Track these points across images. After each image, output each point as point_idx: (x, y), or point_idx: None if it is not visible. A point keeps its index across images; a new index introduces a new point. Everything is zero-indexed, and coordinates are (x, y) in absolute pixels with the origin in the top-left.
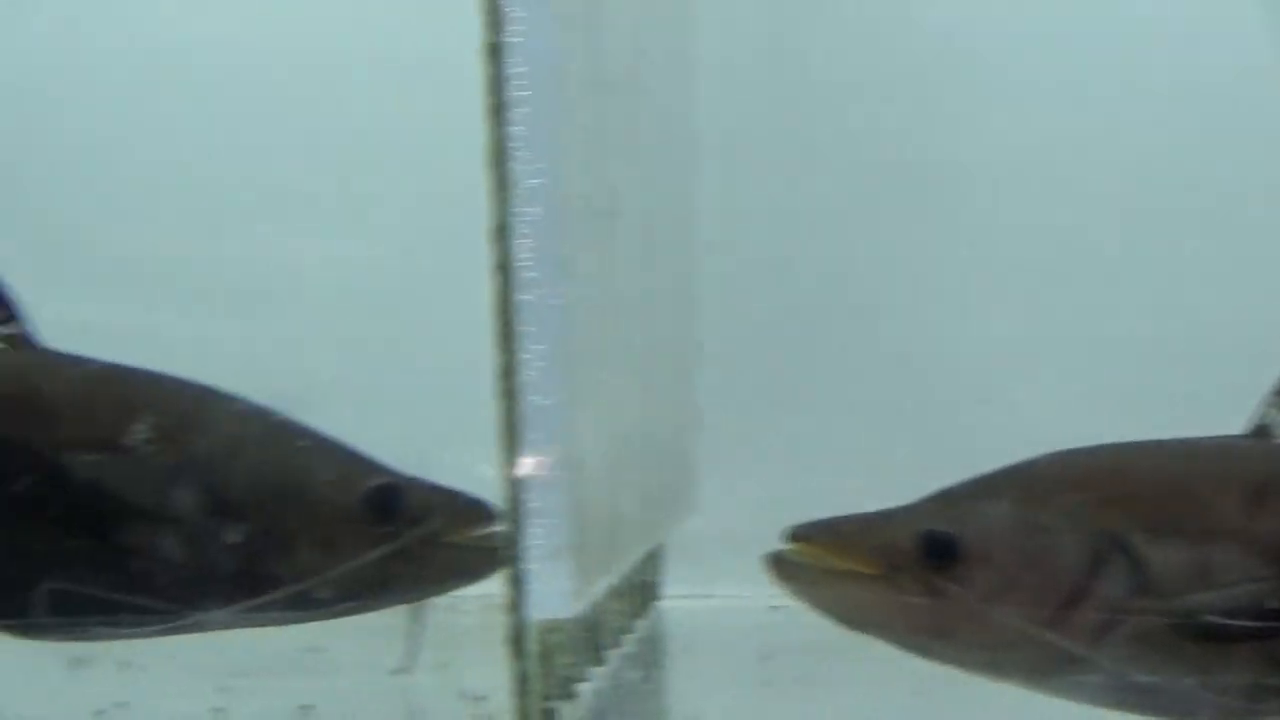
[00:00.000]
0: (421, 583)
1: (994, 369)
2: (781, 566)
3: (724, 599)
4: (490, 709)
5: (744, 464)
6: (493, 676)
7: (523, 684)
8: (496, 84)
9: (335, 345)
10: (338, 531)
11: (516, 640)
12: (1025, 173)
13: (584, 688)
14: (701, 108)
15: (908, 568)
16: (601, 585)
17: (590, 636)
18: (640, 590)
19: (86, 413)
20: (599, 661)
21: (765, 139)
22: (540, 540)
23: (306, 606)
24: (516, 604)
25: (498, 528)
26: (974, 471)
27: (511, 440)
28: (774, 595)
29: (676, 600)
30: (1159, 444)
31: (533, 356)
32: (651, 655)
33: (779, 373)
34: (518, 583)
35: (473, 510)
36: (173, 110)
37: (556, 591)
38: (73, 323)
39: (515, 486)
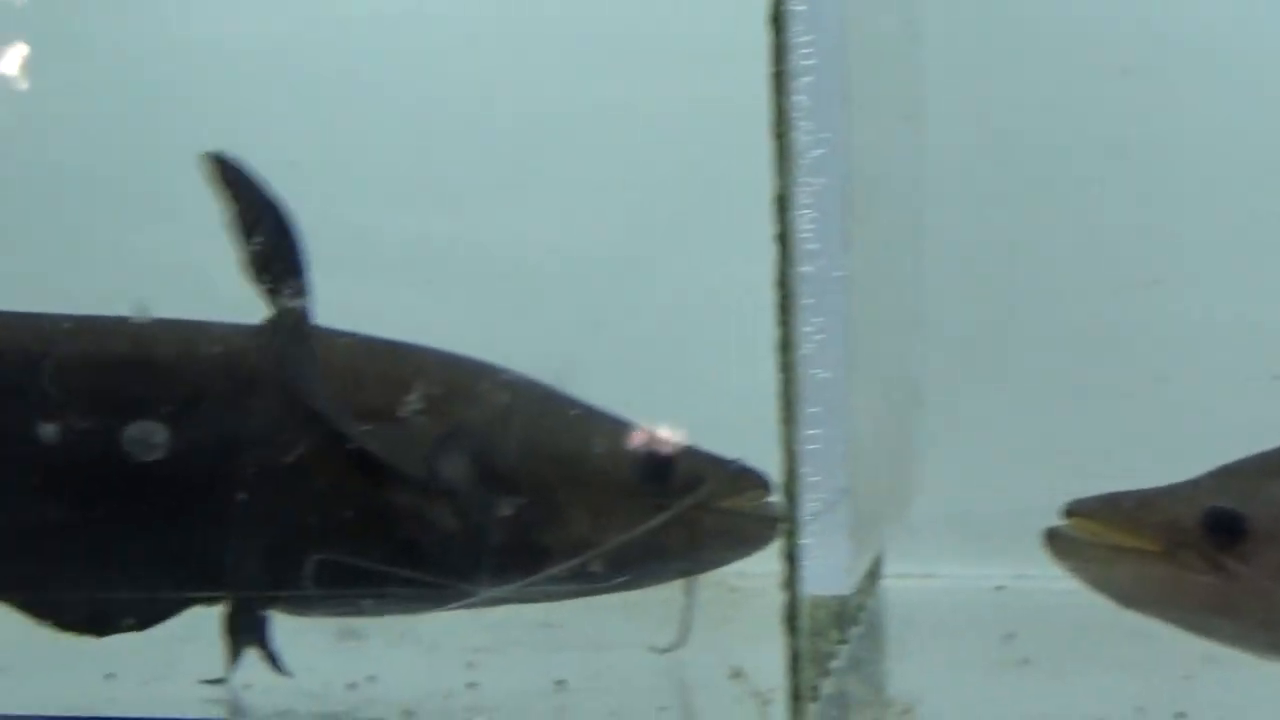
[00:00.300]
0: (696, 553)
1: (1230, 351)
2: (1058, 542)
3: (946, 579)
4: (753, 685)
5: (964, 443)
6: (746, 652)
7: (795, 661)
8: (780, 52)
9: (609, 317)
10: (611, 500)
11: (791, 616)
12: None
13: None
14: (931, 81)
15: (1191, 545)
16: (866, 562)
17: (840, 613)
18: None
19: (358, 385)
20: (844, 639)
21: (996, 112)
22: (816, 515)
23: (581, 579)
24: (792, 580)
25: (772, 498)
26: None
27: (789, 413)
28: (998, 575)
29: (897, 580)
30: None
31: (812, 329)
32: (887, 634)
33: (1002, 350)
34: (792, 558)
35: (747, 478)
36: (438, 86)
37: (832, 567)
38: (338, 303)
39: (792, 460)
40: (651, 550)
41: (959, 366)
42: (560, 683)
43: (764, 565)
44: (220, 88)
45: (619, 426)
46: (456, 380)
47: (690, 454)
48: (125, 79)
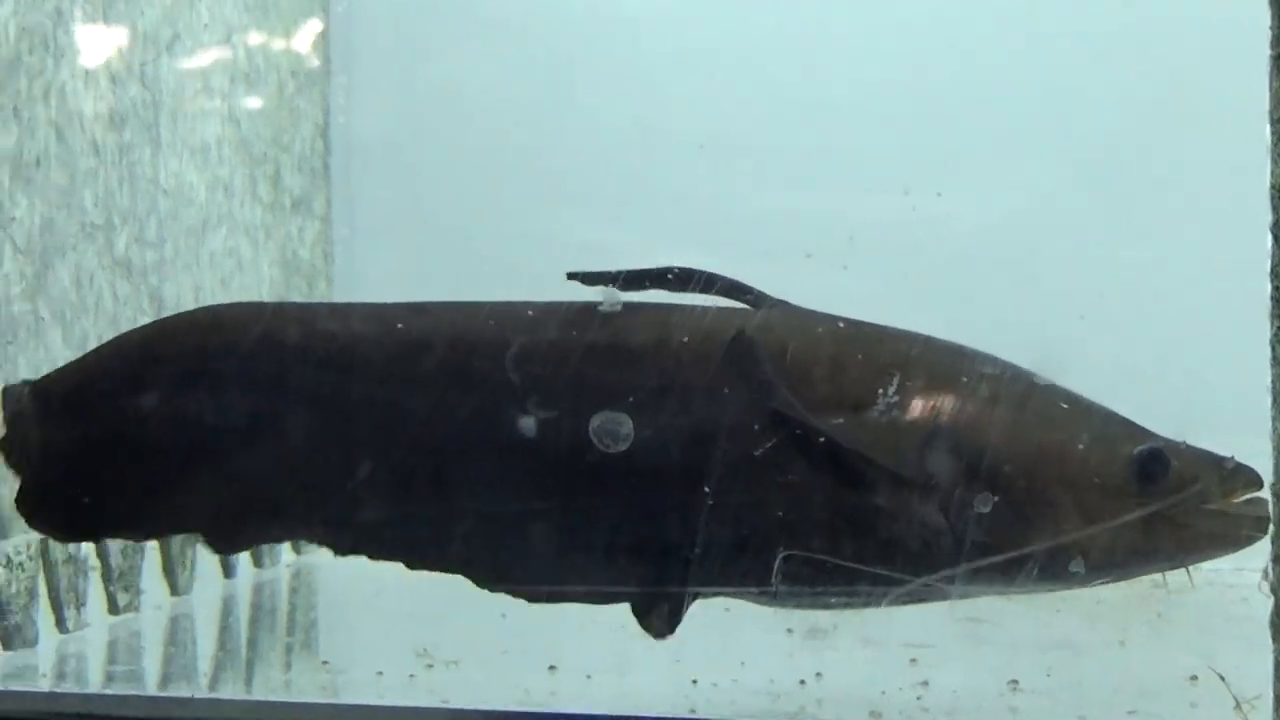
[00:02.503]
0: (1184, 551)
1: None
2: None
3: None
4: (1232, 690)
5: None
6: (1200, 655)
7: None
8: None
9: (1093, 307)
10: (1102, 500)
11: None
12: None
13: None
14: None
15: None
16: None
17: None
18: None
19: (835, 373)
20: None
21: None
22: None
23: (1062, 576)
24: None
25: (1263, 495)
26: None
27: None
28: None
29: None
30: None
31: None
32: None
33: None
34: None
35: (1241, 476)
36: (869, 67)
37: None
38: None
39: None
40: (1138, 549)
41: None
42: (1013, 682)
43: None
44: (645, 65)
45: (1110, 421)
46: (937, 369)
47: (1185, 452)
48: (535, 55)
